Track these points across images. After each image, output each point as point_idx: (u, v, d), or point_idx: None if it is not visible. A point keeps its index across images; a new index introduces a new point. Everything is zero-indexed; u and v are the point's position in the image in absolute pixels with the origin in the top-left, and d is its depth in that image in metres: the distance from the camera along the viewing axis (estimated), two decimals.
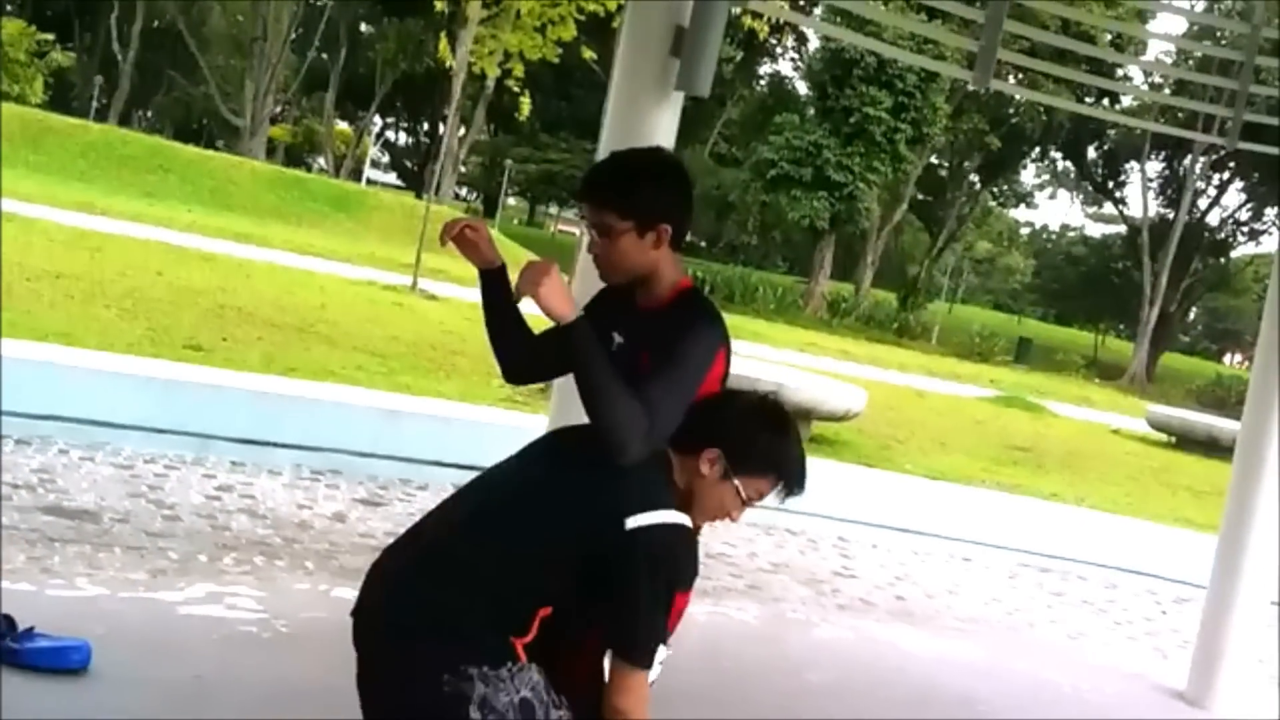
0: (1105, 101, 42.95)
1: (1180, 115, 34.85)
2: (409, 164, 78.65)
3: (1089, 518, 11.71)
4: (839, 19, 25.46)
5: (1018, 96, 46.08)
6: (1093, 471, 16.67)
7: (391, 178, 77.83)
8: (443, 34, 22.59)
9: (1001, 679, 6.11)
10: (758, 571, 7.83)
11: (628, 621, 2.48)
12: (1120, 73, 42.29)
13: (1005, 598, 8.47)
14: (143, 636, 4.57)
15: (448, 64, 20.07)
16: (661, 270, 2.75)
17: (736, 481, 2.60)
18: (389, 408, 9.71)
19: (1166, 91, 32.29)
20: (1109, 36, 35.38)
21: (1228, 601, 6.15)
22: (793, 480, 2.68)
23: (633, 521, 2.43)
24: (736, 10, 11.96)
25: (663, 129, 5.23)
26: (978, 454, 15.69)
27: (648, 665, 2.50)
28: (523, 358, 2.94)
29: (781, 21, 21.61)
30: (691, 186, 2.87)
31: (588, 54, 19.34)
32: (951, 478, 12.57)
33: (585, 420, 2.62)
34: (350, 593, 5.62)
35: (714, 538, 8.36)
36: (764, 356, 19.02)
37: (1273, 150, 7.38)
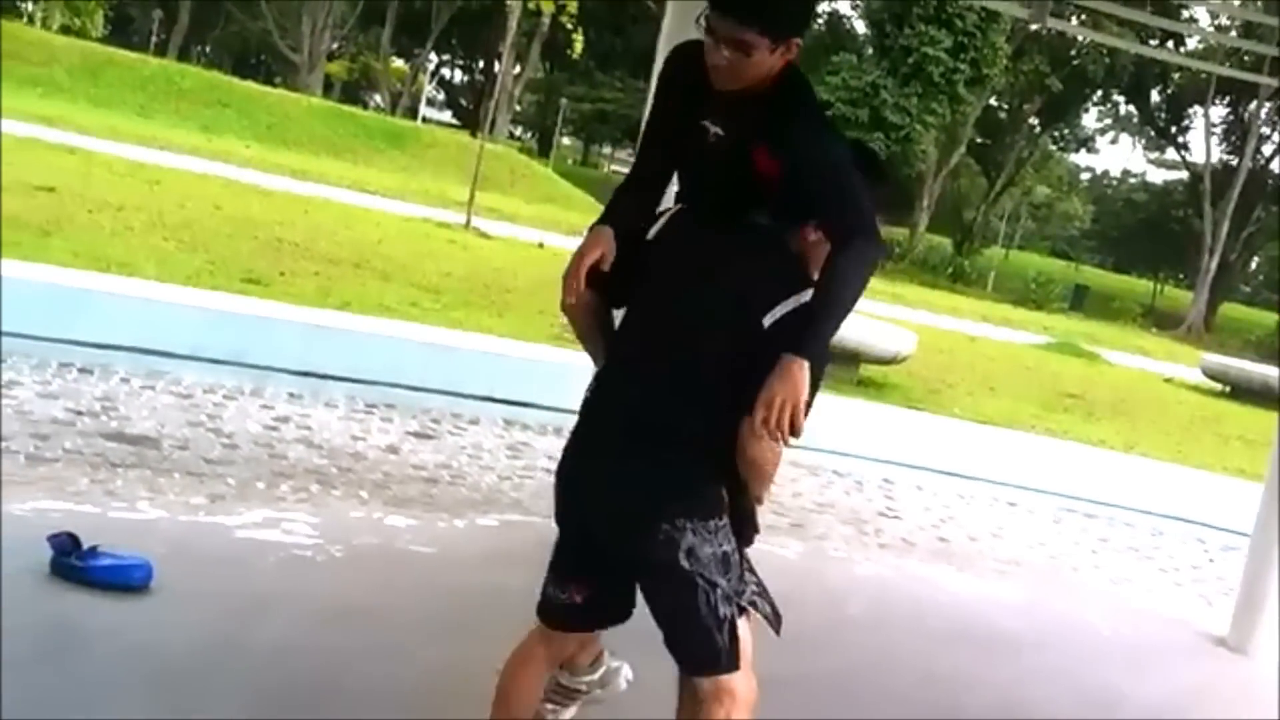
0: (1170, 44, 42.07)
1: (1247, 59, 34.10)
2: (464, 102, 78.54)
3: (1138, 465, 11.70)
4: None
5: (1079, 37, 45.18)
6: (1143, 419, 16.58)
7: (447, 115, 77.74)
8: None
9: (1038, 619, 6.16)
10: (802, 510, 7.91)
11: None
12: (1186, 14, 41.36)
13: (1049, 541, 8.51)
14: (201, 557, 4.71)
15: (504, 1, 19.99)
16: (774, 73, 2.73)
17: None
18: (442, 343, 9.86)
19: (1233, 34, 31.53)
20: None
21: (1270, 549, 6.14)
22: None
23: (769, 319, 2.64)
24: None
25: None
26: (1027, 399, 15.64)
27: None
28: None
29: None
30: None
31: None
32: (1000, 423, 12.57)
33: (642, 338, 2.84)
34: (403, 521, 5.82)
35: None
36: None
37: None
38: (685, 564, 2.67)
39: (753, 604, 2.79)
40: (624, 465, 2.76)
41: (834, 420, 8.56)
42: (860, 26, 55.62)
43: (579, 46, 19.42)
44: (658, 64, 5.70)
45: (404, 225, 21.14)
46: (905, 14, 44.61)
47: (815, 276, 2.67)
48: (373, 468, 6.85)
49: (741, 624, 2.76)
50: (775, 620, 2.84)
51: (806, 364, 2.53)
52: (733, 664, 2.75)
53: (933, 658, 5.02)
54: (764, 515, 7.58)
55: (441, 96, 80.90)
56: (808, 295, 2.63)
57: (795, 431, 2.53)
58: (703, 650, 2.74)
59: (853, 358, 12.14)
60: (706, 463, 2.71)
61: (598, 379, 2.93)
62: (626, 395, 2.82)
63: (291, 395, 7.91)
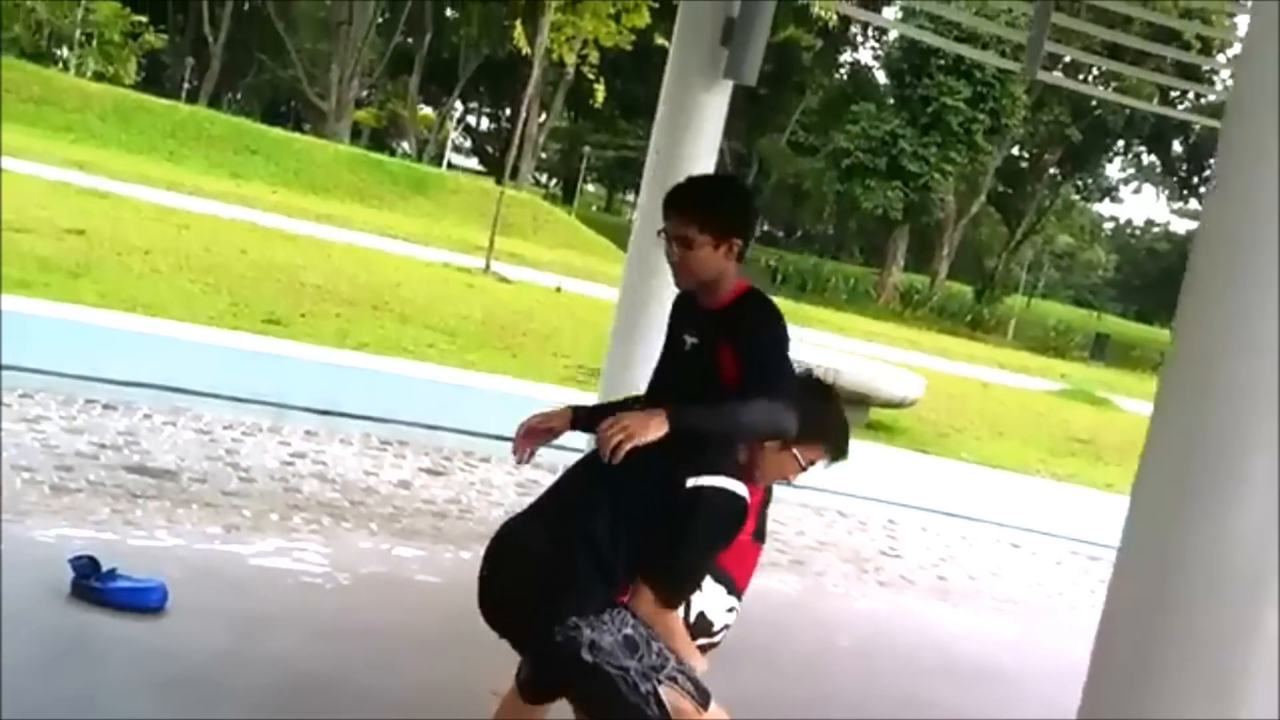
0: (1192, 96, 42.27)
1: None
2: (490, 149, 79.37)
3: None
4: (909, 17, 25.42)
5: (1071, 89, 45.37)
6: None
7: (473, 162, 78.54)
8: (518, 21, 23.00)
9: (1028, 655, 6.31)
10: (803, 549, 8.07)
11: (672, 561, 2.95)
12: (1205, 67, 41.62)
13: (1048, 582, 8.63)
14: (215, 582, 4.94)
15: (523, 51, 20.40)
16: (727, 276, 3.15)
17: (795, 451, 3.10)
18: (456, 383, 10.10)
19: None
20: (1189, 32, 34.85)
21: None
22: (838, 447, 3.22)
23: (693, 481, 2.90)
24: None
25: (711, 115, 5.51)
26: (1035, 444, 15.76)
27: (674, 604, 2.96)
28: None
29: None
30: (756, 210, 3.39)
31: (660, 41, 19.57)
32: (1007, 466, 12.69)
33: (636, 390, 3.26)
34: (410, 551, 6.02)
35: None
36: (827, 344, 19.24)
37: None
38: (590, 659, 2.85)
39: (673, 679, 2.90)
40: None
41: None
42: (882, 76, 56.14)
43: (600, 96, 19.66)
44: (658, 112, 5.97)
45: (424, 269, 21.48)
46: (924, 65, 45.02)
47: (759, 481, 3.16)
48: (384, 502, 7.05)
49: (670, 691, 2.89)
50: (701, 696, 2.93)
51: (664, 418, 2.84)
52: None
53: (916, 686, 5.19)
54: (766, 552, 7.77)
55: (468, 144, 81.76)
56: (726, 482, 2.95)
57: (614, 455, 2.79)
58: None
59: (861, 400, 12.30)
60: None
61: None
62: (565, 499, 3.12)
63: (308, 432, 8.12)
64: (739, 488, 2.93)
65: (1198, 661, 2.17)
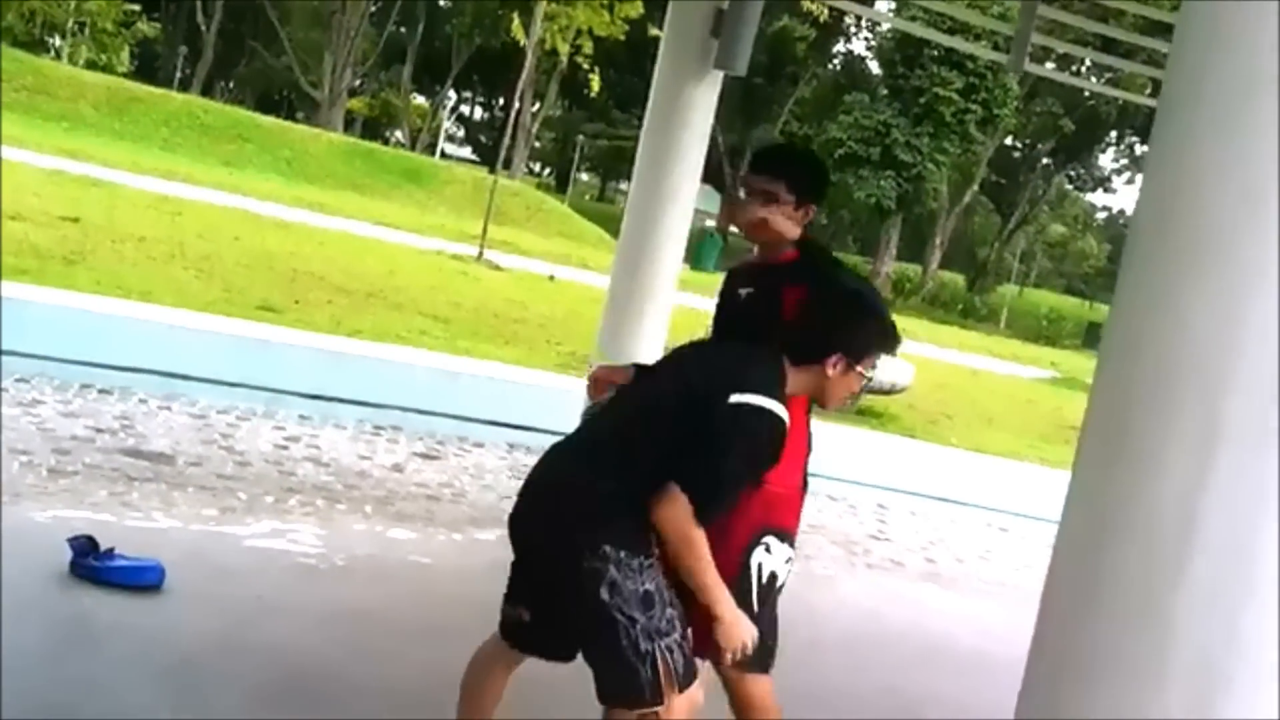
0: None
1: None
2: (483, 138, 79.28)
3: None
4: (902, 9, 25.47)
5: (1062, 81, 45.54)
6: None
7: (466, 151, 78.51)
8: (515, 12, 23.05)
9: (1017, 641, 6.35)
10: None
11: (710, 474, 2.90)
12: None
13: (1037, 565, 8.66)
14: (211, 563, 5.01)
15: (520, 41, 20.43)
16: (789, 240, 3.43)
17: (858, 368, 3.12)
18: (450, 369, 10.15)
19: None
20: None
21: None
22: (890, 347, 3.28)
23: (736, 398, 2.90)
24: None
25: (702, 104, 5.57)
26: (1026, 432, 15.85)
27: (702, 514, 2.88)
28: None
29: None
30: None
31: (654, 31, 19.60)
32: (997, 453, 12.78)
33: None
34: (404, 534, 6.10)
35: None
36: None
37: None
38: (605, 597, 2.84)
39: (669, 651, 2.87)
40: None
41: (831, 447, 8.77)
42: (874, 67, 56.16)
43: (596, 86, 19.73)
44: (649, 101, 6.03)
45: (418, 258, 21.52)
46: (917, 55, 45.04)
47: (830, 405, 3.20)
48: (378, 485, 7.12)
49: (662, 663, 2.86)
50: (685, 679, 2.91)
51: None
52: (656, 697, 2.85)
53: (905, 672, 5.28)
54: None
55: (461, 133, 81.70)
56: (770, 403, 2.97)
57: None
58: (624, 684, 2.86)
59: None
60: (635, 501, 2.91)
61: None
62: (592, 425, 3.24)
63: (302, 417, 8.19)
64: (780, 409, 2.93)
65: (1127, 602, 2.34)
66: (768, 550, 3.29)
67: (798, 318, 3.20)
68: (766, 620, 3.28)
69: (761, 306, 3.36)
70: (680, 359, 3.27)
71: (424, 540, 6.04)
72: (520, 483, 3.14)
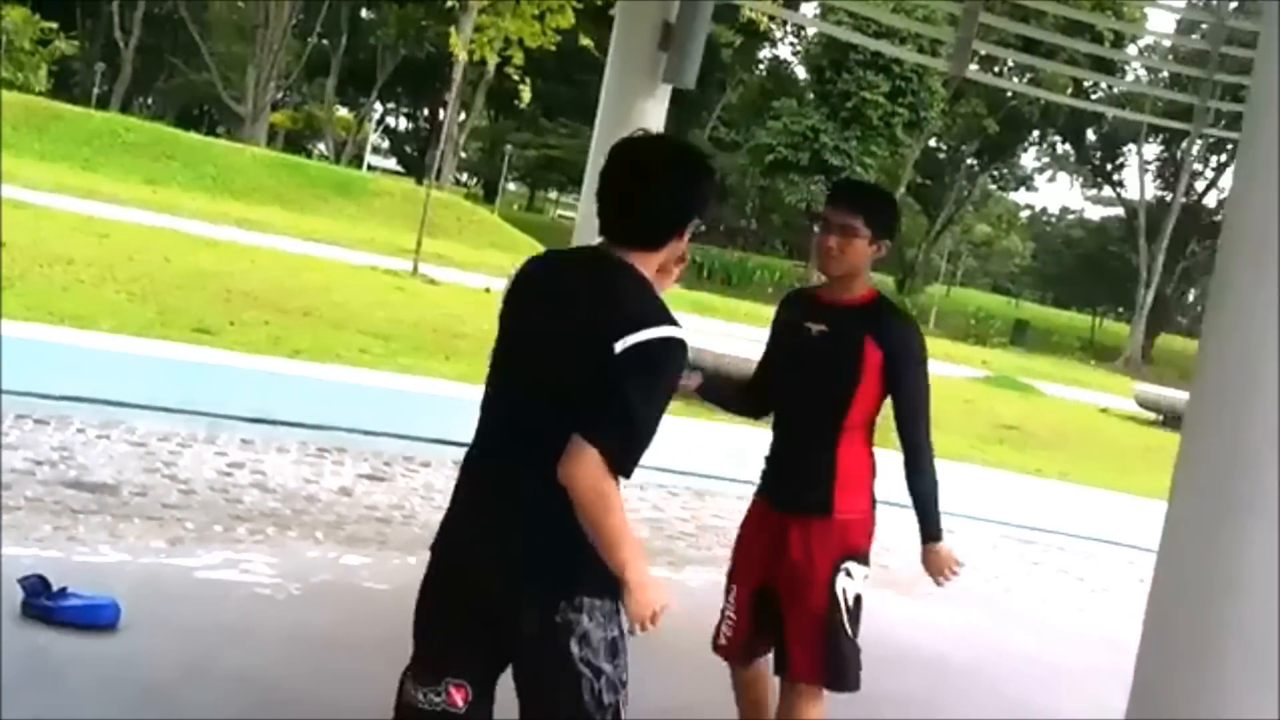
0: (1104, 85, 43.13)
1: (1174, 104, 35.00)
2: (409, 149, 78.85)
3: (1072, 492, 12.04)
4: (828, 14, 25.71)
5: (990, 84, 46.28)
6: (1078, 448, 16.98)
7: (392, 163, 78.02)
8: (451, 25, 22.88)
9: (975, 643, 6.43)
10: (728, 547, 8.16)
11: (620, 417, 2.48)
12: (1117, 59, 42.46)
13: (985, 566, 8.77)
14: (165, 597, 4.91)
15: (456, 53, 20.14)
16: (864, 274, 3.56)
17: (691, 226, 2.72)
18: (392, 388, 10.04)
19: (1148, 77, 32.50)
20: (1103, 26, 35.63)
21: None
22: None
23: (622, 344, 2.47)
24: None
25: (651, 118, 5.54)
26: (964, 432, 16.00)
27: (627, 470, 2.49)
28: (750, 402, 3.94)
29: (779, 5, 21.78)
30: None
31: (585, 41, 19.58)
32: (937, 454, 12.84)
33: None
34: (357, 559, 6.01)
35: (705, 510, 8.70)
36: (753, 337, 19.13)
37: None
38: (575, 650, 2.54)
39: (624, 704, 2.62)
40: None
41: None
42: (801, 72, 56.59)
43: (526, 97, 19.63)
44: (598, 117, 6.00)
45: (352, 273, 21.33)
46: (843, 60, 45.50)
47: (670, 282, 2.78)
48: (326, 509, 7.03)
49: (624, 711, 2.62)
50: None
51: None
52: None
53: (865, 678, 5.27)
54: (696, 547, 7.79)
55: (386, 145, 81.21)
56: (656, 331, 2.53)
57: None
58: None
59: None
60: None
61: None
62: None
63: (244, 441, 8.06)
64: (677, 329, 2.53)
65: (1241, 659, 2.30)
66: (849, 575, 3.51)
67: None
68: (857, 647, 3.58)
69: (841, 350, 3.48)
70: (545, 299, 2.70)
71: (379, 565, 5.96)
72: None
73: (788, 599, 3.56)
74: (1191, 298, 75.38)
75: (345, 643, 4.66)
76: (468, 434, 8.54)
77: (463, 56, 16.08)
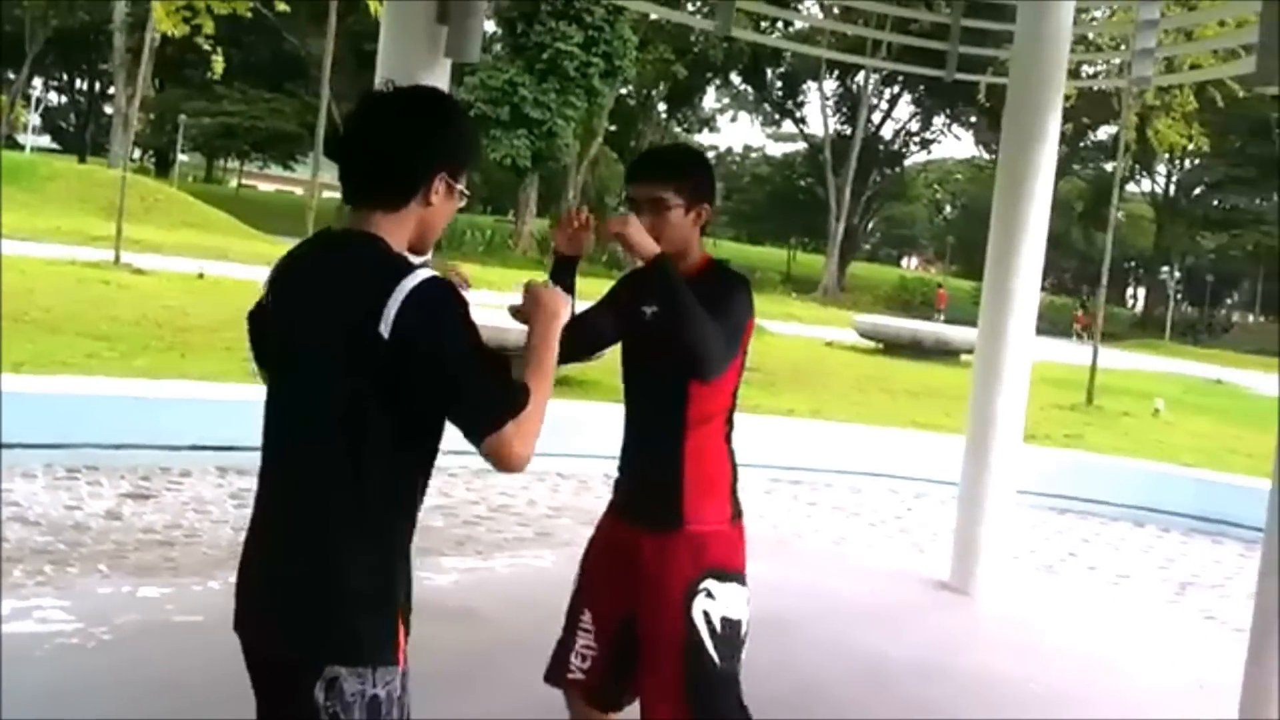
0: (779, 24, 44.49)
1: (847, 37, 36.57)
2: (63, 124, 73.98)
3: (826, 429, 12.43)
4: None
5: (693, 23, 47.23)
6: (819, 384, 17.62)
7: (45, 140, 72.84)
8: None
9: (797, 595, 6.46)
10: (542, 518, 8.08)
11: (468, 400, 2.20)
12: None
13: (767, 513, 8.98)
14: None
15: (166, 30, 18.35)
16: (694, 245, 3.15)
17: (458, 186, 2.43)
18: (133, 394, 9.34)
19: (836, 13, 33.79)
20: None
21: (979, 496, 6.77)
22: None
23: (384, 325, 2.14)
24: None
25: None
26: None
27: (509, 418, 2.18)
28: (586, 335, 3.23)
29: None
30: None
31: (281, 6, 18.79)
32: None
33: None
34: (155, 591, 5.55)
35: (492, 490, 8.53)
36: (486, 302, 18.74)
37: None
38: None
39: None
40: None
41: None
42: (490, 25, 56.03)
43: (219, 67, 18.67)
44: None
45: (49, 269, 19.74)
46: (535, 12, 45.32)
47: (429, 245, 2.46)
48: (101, 538, 6.51)
49: None
50: None
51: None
52: None
53: None
54: (510, 528, 7.60)
55: (38, 121, 75.69)
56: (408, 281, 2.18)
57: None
58: None
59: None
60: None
61: None
62: None
63: None
64: (411, 279, 2.17)
65: None
66: (710, 596, 3.01)
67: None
68: (730, 679, 3.04)
69: (665, 333, 3.01)
70: (301, 304, 2.32)
71: (180, 594, 5.51)
72: (249, 509, 2.38)
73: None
74: (873, 225, 79.61)
75: (183, 685, 4.28)
76: (223, 435, 8.01)
77: (168, 28, 15.01)
